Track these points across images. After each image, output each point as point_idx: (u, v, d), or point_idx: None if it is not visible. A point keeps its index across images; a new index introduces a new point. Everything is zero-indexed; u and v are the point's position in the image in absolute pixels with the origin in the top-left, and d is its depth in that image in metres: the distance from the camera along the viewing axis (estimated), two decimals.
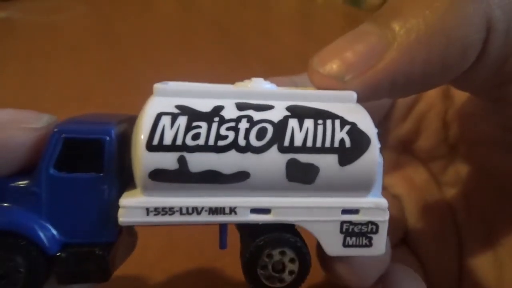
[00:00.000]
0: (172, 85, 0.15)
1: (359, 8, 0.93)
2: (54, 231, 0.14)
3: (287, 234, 0.15)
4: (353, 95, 0.15)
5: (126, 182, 0.15)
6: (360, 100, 0.15)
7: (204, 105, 0.14)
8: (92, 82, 0.50)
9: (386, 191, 0.25)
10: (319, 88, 0.16)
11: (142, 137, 0.13)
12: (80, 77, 0.51)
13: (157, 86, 0.14)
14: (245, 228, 0.16)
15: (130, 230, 0.18)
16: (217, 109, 0.14)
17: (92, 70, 0.53)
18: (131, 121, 0.16)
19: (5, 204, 0.14)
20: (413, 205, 0.24)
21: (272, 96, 0.15)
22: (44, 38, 0.63)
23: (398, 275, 0.20)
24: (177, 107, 0.14)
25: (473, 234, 0.22)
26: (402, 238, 0.24)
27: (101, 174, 0.14)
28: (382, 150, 0.15)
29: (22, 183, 0.14)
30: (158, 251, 0.26)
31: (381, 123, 0.24)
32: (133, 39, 0.66)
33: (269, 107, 0.14)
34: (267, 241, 0.15)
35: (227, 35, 0.71)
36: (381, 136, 0.15)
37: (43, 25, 0.68)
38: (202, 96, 0.14)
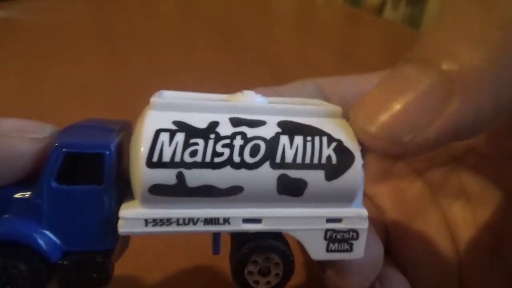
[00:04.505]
0: (168, 98, 0.16)
1: (359, 8, 0.93)
2: (55, 240, 0.15)
3: (271, 240, 0.16)
4: (339, 110, 0.16)
5: (123, 190, 0.15)
6: (414, 154, 0.15)
7: (200, 121, 0.15)
8: (92, 82, 0.50)
9: (369, 201, 0.25)
10: (372, 149, 0.15)
11: (142, 154, 0.14)
12: (80, 77, 0.51)
13: (154, 100, 0.15)
14: (236, 235, 0.17)
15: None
16: (213, 125, 0.15)
17: (92, 70, 0.53)
18: (126, 128, 0.16)
19: (9, 215, 0.15)
20: (397, 217, 0.24)
21: (264, 111, 0.16)
22: (44, 38, 0.63)
23: (390, 278, 0.20)
24: (175, 123, 0.14)
25: (479, 250, 0.21)
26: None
27: (101, 186, 0.15)
28: (364, 165, 0.15)
29: (25, 194, 0.15)
30: (156, 251, 0.26)
31: None
32: (133, 39, 0.66)
33: (262, 123, 0.15)
34: (252, 249, 0.16)
35: (227, 35, 0.71)
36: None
37: (43, 25, 0.68)
38: (197, 110, 0.15)
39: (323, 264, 0.18)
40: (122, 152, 0.15)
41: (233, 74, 0.52)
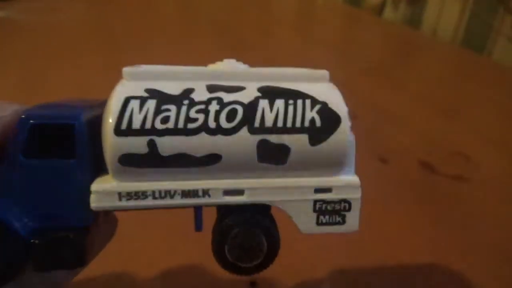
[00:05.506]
0: (143, 68, 0.15)
1: (359, 8, 0.93)
2: (27, 217, 0.14)
3: (254, 213, 0.15)
4: (326, 74, 0.15)
5: (101, 168, 0.15)
6: None
7: (174, 88, 0.14)
8: (91, 82, 0.50)
9: None
10: None
11: (110, 122, 0.13)
12: (79, 77, 0.51)
13: (126, 69, 0.14)
14: (220, 210, 0.16)
15: (108, 218, 0.18)
16: (187, 92, 0.14)
17: (92, 69, 0.53)
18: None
19: None
20: None
21: (244, 77, 0.15)
22: (44, 38, 0.63)
23: None
24: (147, 90, 0.14)
25: None
26: None
27: (74, 160, 0.14)
28: (352, 128, 0.14)
29: None
30: (155, 251, 0.26)
31: None
32: (133, 38, 0.66)
33: (241, 88, 0.14)
34: (232, 223, 0.14)
35: (227, 35, 0.71)
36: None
37: (43, 25, 0.68)
38: (173, 78, 0.14)
39: None
40: (100, 128, 0.15)
41: None
